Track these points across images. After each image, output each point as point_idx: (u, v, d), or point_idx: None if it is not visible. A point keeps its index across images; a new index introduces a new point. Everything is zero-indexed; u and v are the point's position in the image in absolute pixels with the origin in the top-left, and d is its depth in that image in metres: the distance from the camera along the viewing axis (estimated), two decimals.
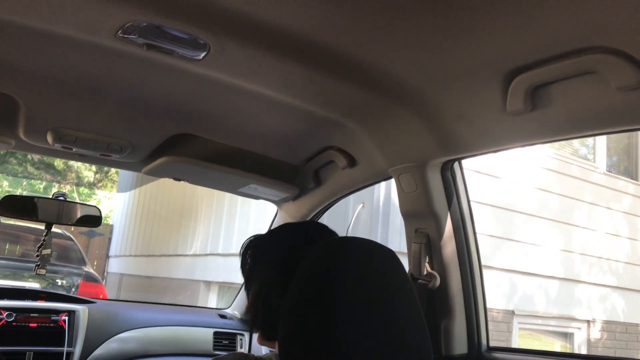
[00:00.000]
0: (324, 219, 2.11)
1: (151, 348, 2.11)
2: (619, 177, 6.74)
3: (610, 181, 6.58)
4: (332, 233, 1.25)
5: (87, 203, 2.37)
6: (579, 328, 6.19)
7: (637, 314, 6.69)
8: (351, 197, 4.26)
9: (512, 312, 5.56)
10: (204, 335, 2.26)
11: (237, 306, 2.50)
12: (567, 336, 6.26)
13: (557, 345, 6.25)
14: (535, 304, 5.76)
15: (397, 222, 4.60)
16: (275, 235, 1.23)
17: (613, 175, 6.67)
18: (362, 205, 4.71)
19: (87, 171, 13.91)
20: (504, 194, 5.49)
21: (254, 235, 1.25)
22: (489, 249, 5.26)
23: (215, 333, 2.28)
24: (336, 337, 0.88)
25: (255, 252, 1.21)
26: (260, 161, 1.89)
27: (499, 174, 5.46)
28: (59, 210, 1.99)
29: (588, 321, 6.19)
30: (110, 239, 11.82)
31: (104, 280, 10.72)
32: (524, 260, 5.63)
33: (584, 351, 6.10)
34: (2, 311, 1.90)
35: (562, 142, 5.99)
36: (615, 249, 6.48)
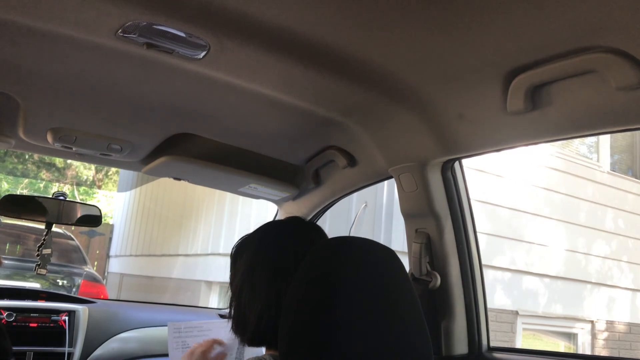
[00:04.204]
0: (326, 219, 2.12)
1: (151, 348, 2.11)
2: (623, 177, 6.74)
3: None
4: (316, 227, 1.22)
5: (87, 202, 2.37)
6: (582, 328, 6.18)
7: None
8: (354, 196, 4.27)
9: (516, 313, 5.56)
10: None
11: None
12: (570, 336, 6.25)
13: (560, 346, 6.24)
14: (539, 304, 5.75)
15: (401, 222, 4.57)
16: (254, 234, 1.21)
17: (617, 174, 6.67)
18: (364, 205, 4.71)
19: (86, 170, 13.92)
20: (507, 193, 5.49)
21: (242, 237, 1.24)
22: (492, 248, 5.25)
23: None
24: (336, 338, 0.88)
25: (235, 254, 1.20)
26: (260, 161, 1.88)
27: (502, 173, 5.46)
28: (59, 209, 1.99)
29: (592, 321, 6.19)
30: (110, 238, 11.82)
31: (105, 280, 10.72)
32: (527, 260, 5.62)
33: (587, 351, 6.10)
34: (2, 311, 1.90)
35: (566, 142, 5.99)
36: (620, 248, 6.47)
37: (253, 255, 1.13)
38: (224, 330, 1.87)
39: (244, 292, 1.11)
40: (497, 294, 5.40)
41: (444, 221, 1.54)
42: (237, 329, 1.12)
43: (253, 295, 1.09)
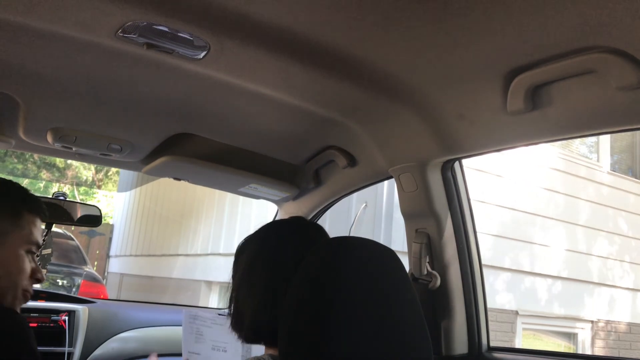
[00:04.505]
0: (326, 219, 2.11)
1: (151, 348, 2.10)
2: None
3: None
4: (317, 227, 1.23)
5: (87, 202, 2.37)
6: (582, 328, 6.19)
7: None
8: (354, 196, 4.26)
9: (516, 313, 5.56)
10: None
11: None
12: (570, 336, 6.25)
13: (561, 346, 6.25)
14: (539, 304, 5.76)
15: (401, 222, 4.56)
16: (256, 233, 1.22)
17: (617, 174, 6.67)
18: (364, 205, 4.71)
19: (86, 170, 13.91)
20: (507, 194, 5.49)
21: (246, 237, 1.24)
22: (491, 248, 5.25)
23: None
24: (336, 338, 0.88)
25: (238, 252, 1.21)
26: (260, 161, 1.88)
27: (502, 173, 5.46)
28: (59, 209, 1.99)
29: (592, 321, 6.19)
30: (110, 238, 11.82)
31: (105, 280, 10.72)
32: (527, 260, 5.62)
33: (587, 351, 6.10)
34: None
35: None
36: (620, 248, 6.47)
37: (253, 253, 1.14)
38: None
39: (242, 289, 1.12)
40: (497, 294, 5.40)
41: (444, 221, 1.54)
42: (235, 325, 1.13)
43: (250, 293, 1.09)
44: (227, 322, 1.83)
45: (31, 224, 1.27)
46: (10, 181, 1.32)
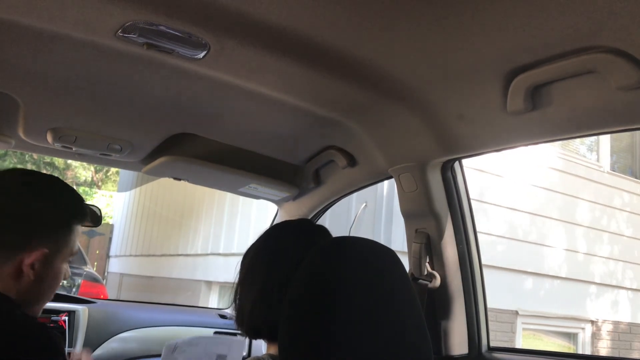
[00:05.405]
0: (326, 219, 2.12)
1: (151, 348, 2.11)
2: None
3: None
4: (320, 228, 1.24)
5: (87, 203, 2.37)
6: (582, 328, 6.18)
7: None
8: (354, 196, 4.26)
9: (516, 313, 5.56)
10: None
11: None
12: (570, 336, 6.25)
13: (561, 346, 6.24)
14: (539, 304, 5.75)
15: (401, 222, 4.53)
16: (263, 234, 1.24)
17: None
18: (364, 205, 4.71)
19: (85, 171, 13.89)
20: (507, 194, 5.48)
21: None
22: (491, 248, 5.25)
23: (215, 333, 2.28)
24: (336, 338, 0.88)
25: (246, 252, 1.23)
26: (260, 161, 1.88)
27: (502, 173, 5.46)
28: None
29: (592, 321, 6.19)
30: (110, 238, 11.81)
31: (105, 280, 10.71)
32: (528, 260, 5.62)
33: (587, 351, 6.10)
34: None
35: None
36: (620, 249, 6.47)
37: (255, 253, 1.17)
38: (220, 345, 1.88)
39: (243, 287, 1.15)
40: (497, 294, 5.40)
41: (444, 221, 1.54)
42: (237, 320, 1.16)
43: (250, 291, 1.12)
44: (201, 340, 1.85)
45: (76, 235, 1.21)
46: (66, 186, 1.22)
